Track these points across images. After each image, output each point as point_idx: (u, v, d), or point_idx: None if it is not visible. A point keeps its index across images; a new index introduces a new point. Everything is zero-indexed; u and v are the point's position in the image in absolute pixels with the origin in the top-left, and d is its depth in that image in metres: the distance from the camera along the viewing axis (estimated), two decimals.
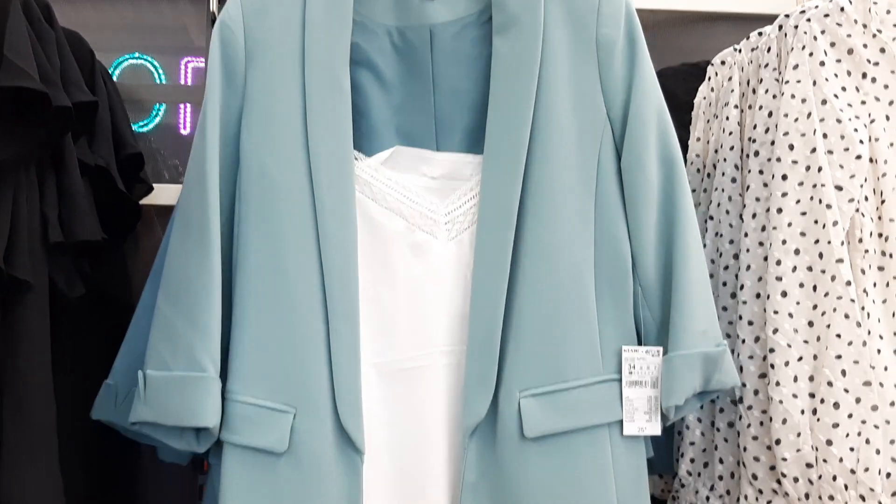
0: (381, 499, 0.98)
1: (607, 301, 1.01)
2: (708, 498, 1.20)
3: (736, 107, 1.29)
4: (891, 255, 1.09)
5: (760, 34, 1.29)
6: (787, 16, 1.21)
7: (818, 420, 1.04)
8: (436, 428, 1.00)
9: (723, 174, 1.27)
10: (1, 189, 0.96)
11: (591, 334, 0.99)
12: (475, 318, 0.99)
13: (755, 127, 1.20)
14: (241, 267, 1.01)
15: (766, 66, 1.21)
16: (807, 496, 1.04)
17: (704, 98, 1.41)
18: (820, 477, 1.03)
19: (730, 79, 1.32)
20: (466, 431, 0.98)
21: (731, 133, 1.28)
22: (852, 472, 1.02)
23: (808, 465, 1.04)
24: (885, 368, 1.06)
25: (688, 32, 1.77)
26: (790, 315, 1.08)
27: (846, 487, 1.02)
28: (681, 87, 1.59)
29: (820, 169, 1.09)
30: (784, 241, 1.10)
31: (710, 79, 1.41)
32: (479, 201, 1.02)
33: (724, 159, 1.27)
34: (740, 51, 1.33)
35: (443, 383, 1.01)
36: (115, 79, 1.77)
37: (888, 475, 1.03)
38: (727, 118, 1.29)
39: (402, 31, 1.09)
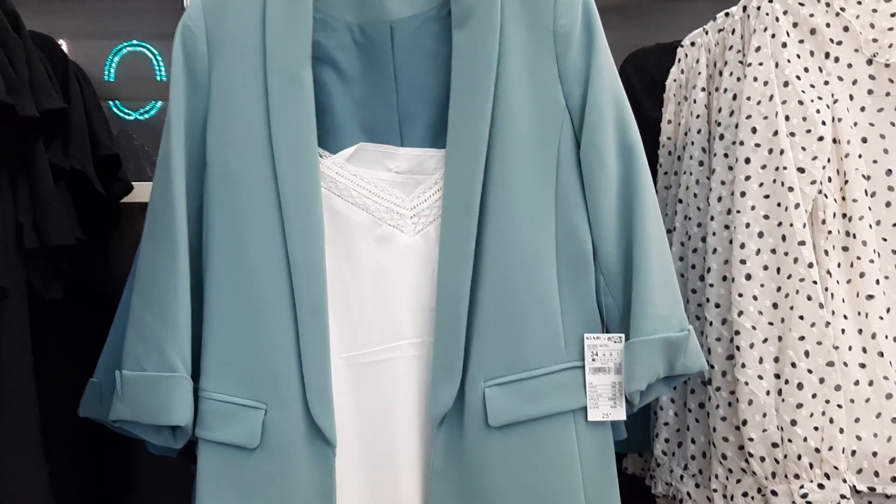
0: (353, 489, 1.01)
1: (569, 290, 1.02)
2: (682, 477, 1.22)
3: (703, 89, 1.29)
4: (854, 236, 1.10)
5: (727, 15, 1.29)
6: None
7: (783, 400, 1.06)
8: (405, 418, 1.02)
9: (691, 157, 1.28)
10: None
11: (554, 323, 1.01)
12: (441, 309, 1.01)
13: (720, 110, 1.21)
14: (210, 266, 1.03)
15: (731, 48, 1.22)
16: (773, 475, 1.06)
17: (675, 80, 1.42)
18: (786, 456, 1.05)
19: (698, 61, 1.33)
20: (434, 421, 1.00)
21: (698, 116, 1.28)
22: (817, 450, 1.03)
23: (774, 445, 1.05)
24: (850, 348, 1.07)
25: (661, 11, 1.76)
26: (755, 297, 1.09)
27: (811, 466, 1.03)
28: (654, 67, 1.60)
29: (782, 152, 1.10)
30: (748, 225, 1.11)
31: (679, 60, 1.42)
32: (442, 196, 1.04)
33: (692, 143, 1.28)
34: (708, 32, 1.33)
35: (411, 374, 1.03)
36: (114, 67, 1.79)
37: (853, 453, 1.05)
38: (695, 101, 1.30)
39: (362, 27, 1.10)
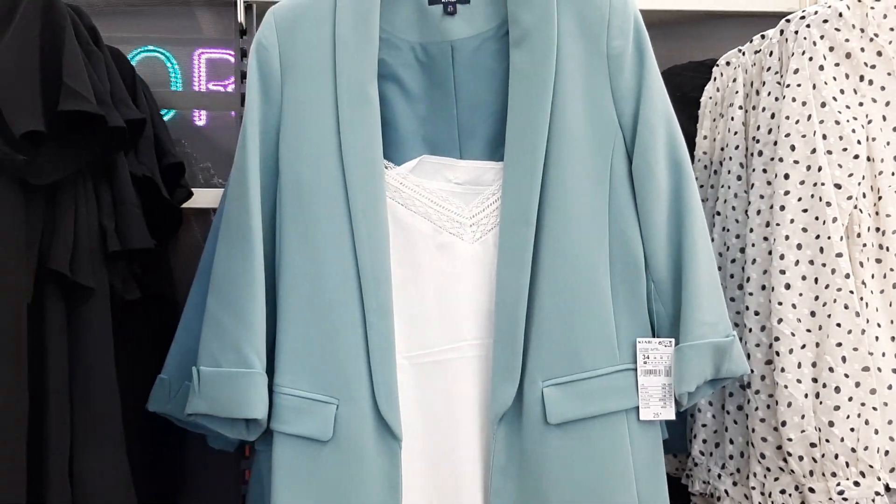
0: (418, 481, 1.07)
1: (622, 296, 1.08)
2: (720, 476, 1.28)
3: (740, 107, 1.36)
4: (887, 248, 1.16)
5: (763, 37, 1.36)
6: (787, 20, 1.28)
7: (821, 403, 1.12)
8: (466, 415, 1.09)
9: (729, 172, 1.34)
10: (64, 203, 1.04)
11: (608, 327, 1.07)
12: (500, 313, 1.07)
13: (758, 128, 1.27)
14: (283, 270, 1.09)
15: (769, 69, 1.28)
16: (811, 473, 1.12)
17: (710, 98, 1.48)
18: (823, 455, 1.11)
19: (734, 80, 1.39)
20: (494, 418, 1.06)
21: (736, 133, 1.35)
22: (853, 450, 1.09)
23: (812, 445, 1.12)
24: (883, 354, 1.14)
25: (694, 31, 1.83)
26: (793, 306, 1.16)
27: (847, 465, 1.10)
28: (688, 83, 1.66)
29: (820, 168, 1.16)
30: (787, 237, 1.17)
31: (715, 79, 1.48)
32: (500, 205, 1.10)
33: (730, 158, 1.35)
34: (744, 53, 1.39)
35: (471, 374, 1.09)
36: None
37: (886, 453, 1.11)
38: (732, 118, 1.36)
39: (425, 46, 1.16)
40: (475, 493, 1.08)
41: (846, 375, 1.11)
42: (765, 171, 1.25)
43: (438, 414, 1.09)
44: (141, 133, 1.14)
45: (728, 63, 1.45)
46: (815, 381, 1.13)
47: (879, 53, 1.21)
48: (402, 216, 1.12)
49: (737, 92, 1.37)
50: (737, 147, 1.34)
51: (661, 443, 1.10)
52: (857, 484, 1.09)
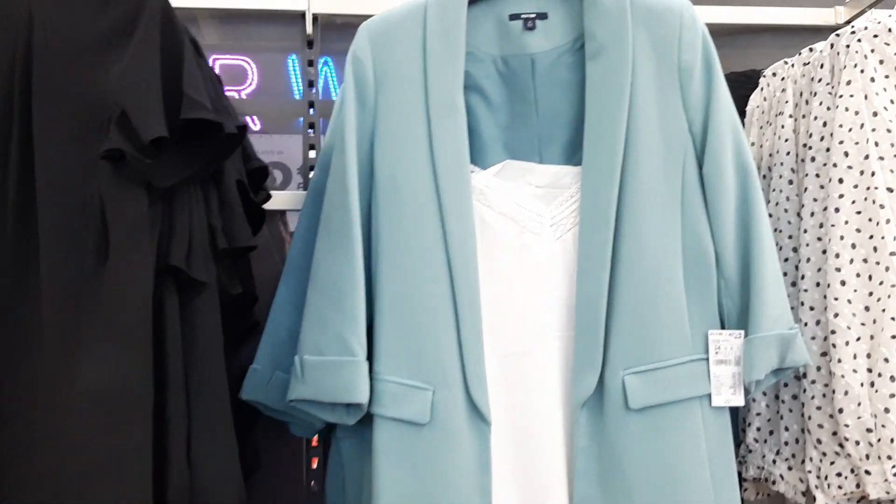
0: (506, 462, 1.15)
1: (694, 291, 1.17)
2: (774, 461, 1.37)
3: (790, 116, 1.44)
4: None
5: (811, 50, 1.45)
6: (837, 34, 1.37)
7: (876, 391, 1.20)
8: (549, 402, 1.17)
9: (780, 177, 1.43)
10: (179, 204, 1.12)
11: (682, 320, 1.15)
12: (581, 307, 1.16)
13: (810, 135, 1.36)
14: (380, 266, 1.18)
15: (820, 80, 1.37)
16: (867, 456, 1.21)
17: (758, 106, 1.57)
18: (879, 440, 1.19)
19: (783, 90, 1.48)
20: (577, 404, 1.14)
21: (786, 140, 1.44)
22: None
23: (868, 430, 1.20)
24: None
25: (733, 42, 1.92)
26: (849, 301, 1.24)
27: None
28: (731, 94, 1.75)
29: (873, 173, 1.25)
30: (842, 237, 1.26)
31: (762, 89, 1.57)
32: (579, 206, 1.19)
33: (781, 163, 1.43)
34: (792, 65, 1.48)
35: (554, 363, 1.18)
36: None
37: None
38: (782, 126, 1.45)
39: (506, 59, 1.25)
40: (559, 474, 1.16)
41: None
42: (818, 175, 1.33)
43: (524, 400, 1.17)
44: (242, 139, 1.22)
45: (775, 74, 1.54)
46: (869, 371, 1.22)
47: None
48: (487, 217, 1.21)
49: (787, 101, 1.46)
50: (788, 153, 1.43)
51: (730, 427, 1.18)
52: None
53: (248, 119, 1.83)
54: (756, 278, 1.16)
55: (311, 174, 1.70)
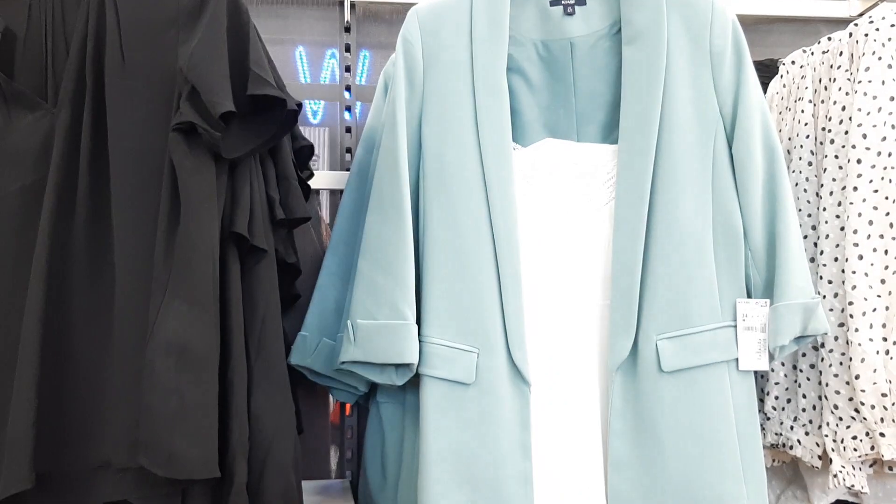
0: (545, 420, 1.23)
1: (723, 263, 1.25)
2: (792, 427, 1.45)
3: (810, 101, 1.52)
4: None
5: (830, 39, 1.52)
6: (856, 24, 1.44)
7: (891, 358, 1.28)
8: (586, 365, 1.25)
9: (800, 159, 1.51)
10: (241, 176, 1.20)
11: (712, 289, 1.23)
12: (617, 276, 1.23)
13: (830, 119, 1.44)
14: (428, 236, 1.25)
15: (839, 67, 1.45)
16: (881, 420, 1.28)
17: (777, 93, 1.65)
18: (893, 404, 1.27)
19: (803, 77, 1.55)
20: (613, 367, 1.22)
21: (806, 124, 1.51)
22: None
23: (883, 395, 1.28)
24: None
25: (749, 33, 1.99)
26: (865, 274, 1.32)
27: None
28: None
29: (890, 154, 1.33)
30: (860, 214, 1.33)
31: (781, 76, 1.64)
32: (616, 182, 1.26)
33: (801, 146, 1.51)
34: (812, 53, 1.56)
35: (592, 330, 1.25)
36: None
37: None
38: (802, 111, 1.52)
39: (546, 43, 1.33)
40: (595, 433, 1.23)
41: None
42: (836, 157, 1.41)
43: (562, 363, 1.25)
44: (297, 118, 1.30)
45: (794, 62, 1.61)
46: (885, 339, 1.30)
47: None
48: (529, 192, 1.28)
49: (806, 87, 1.53)
50: (807, 137, 1.50)
51: (755, 390, 1.26)
52: None
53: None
54: (781, 251, 1.24)
55: (350, 155, 1.77)
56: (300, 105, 1.25)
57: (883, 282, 1.31)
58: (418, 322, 1.23)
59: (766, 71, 1.77)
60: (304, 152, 1.50)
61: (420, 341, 1.22)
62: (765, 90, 1.69)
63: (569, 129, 1.32)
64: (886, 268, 1.31)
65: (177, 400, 1.07)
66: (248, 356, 1.19)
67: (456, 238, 1.24)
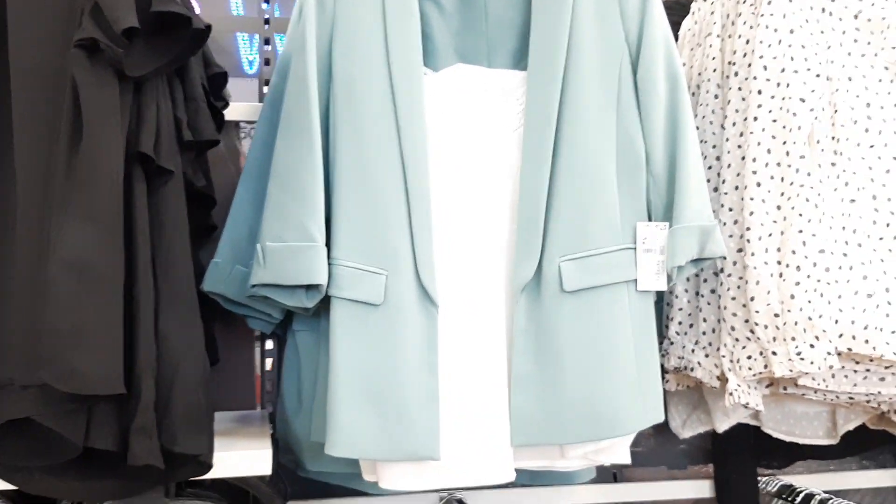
0: (453, 340, 1.26)
1: (625, 187, 1.29)
2: (693, 350, 1.51)
3: (718, 36, 1.56)
4: (841, 154, 1.39)
5: None
6: None
7: (783, 280, 1.34)
8: (495, 287, 1.28)
9: (707, 92, 1.55)
10: (147, 95, 1.18)
11: (613, 213, 1.27)
12: (523, 200, 1.26)
13: (734, 52, 1.48)
14: (337, 159, 1.26)
15: (745, 2, 1.48)
16: (774, 339, 1.35)
17: (689, 30, 1.68)
18: (784, 324, 1.33)
19: (712, 13, 1.59)
20: (517, 288, 1.26)
21: (713, 58, 1.55)
22: (809, 318, 1.32)
23: (776, 315, 1.34)
24: (835, 241, 1.36)
25: None
26: (763, 201, 1.37)
27: (805, 330, 1.32)
28: (669, 19, 1.86)
29: (788, 85, 1.37)
30: (759, 143, 1.38)
31: (693, 13, 1.68)
32: (525, 108, 1.29)
33: (708, 80, 1.55)
34: None
35: (498, 251, 1.29)
36: None
37: (836, 321, 1.34)
38: (710, 45, 1.57)
39: None
40: (500, 351, 1.27)
41: (805, 257, 1.33)
42: (740, 89, 1.46)
43: (471, 285, 1.28)
44: (208, 37, 1.28)
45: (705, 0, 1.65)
46: (779, 263, 1.35)
47: None
48: (439, 116, 1.30)
49: (714, 23, 1.57)
50: (714, 70, 1.54)
51: (653, 310, 1.31)
52: (812, 346, 1.32)
53: None
54: (681, 176, 1.28)
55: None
56: (209, 27, 1.24)
57: (779, 208, 1.37)
58: (329, 245, 1.25)
59: (683, 10, 1.80)
60: (218, 80, 1.49)
61: (329, 264, 1.24)
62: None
63: (480, 54, 1.34)
64: (782, 194, 1.37)
65: (78, 316, 1.06)
66: (156, 277, 1.19)
67: (365, 162, 1.25)
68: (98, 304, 1.09)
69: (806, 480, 1.85)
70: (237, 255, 1.39)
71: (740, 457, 1.79)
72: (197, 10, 1.77)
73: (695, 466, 1.91)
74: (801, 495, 1.71)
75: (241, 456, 1.25)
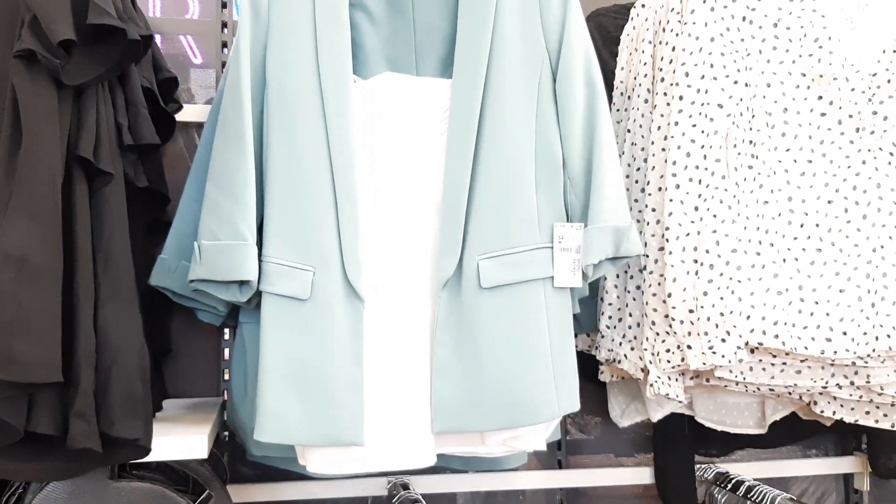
0: (378, 333, 1.33)
1: (543, 189, 1.35)
2: (620, 343, 1.58)
3: (650, 42, 1.62)
4: (757, 157, 1.45)
5: None
6: None
7: (698, 278, 1.41)
8: (419, 283, 1.35)
9: (638, 96, 1.61)
10: (88, 102, 1.26)
11: (532, 214, 1.34)
12: (447, 200, 1.33)
13: (662, 59, 1.54)
14: (270, 162, 1.33)
15: (672, 10, 1.54)
16: (689, 333, 1.41)
17: (628, 35, 1.74)
18: (698, 319, 1.40)
19: (646, 19, 1.65)
20: (439, 284, 1.33)
21: (645, 63, 1.61)
22: (721, 314, 1.39)
23: (690, 311, 1.41)
24: (749, 241, 1.43)
25: None
26: (681, 202, 1.44)
27: (717, 326, 1.39)
28: (612, 24, 1.92)
29: (707, 91, 1.44)
30: (679, 147, 1.45)
31: (632, 19, 1.74)
32: (449, 114, 1.35)
33: (640, 84, 1.61)
34: None
35: (422, 249, 1.36)
36: None
37: (748, 317, 1.41)
38: (643, 51, 1.63)
39: None
40: (423, 344, 1.34)
41: (718, 256, 1.39)
42: (665, 94, 1.52)
43: (397, 282, 1.35)
44: (148, 48, 1.36)
45: (644, 5, 1.71)
46: (695, 261, 1.42)
47: None
48: (367, 122, 1.37)
49: (648, 29, 1.63)
50: (645, 75, 1.61)
51: (570, 306, 1.38)
52: (723, 341, 1.39)
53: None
54: (596, 178, 1.35)
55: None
56: (148, 36, 1.32)
57: (696, 209, 1.43)
58: (261, 243, 1.32)
59: (628, 15, 1.86)
60: (169, 84, 1.56)
61: (261, 261, 1.31)
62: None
63: (409, 62, 1.40)
64: (699, 196, 1.43)
65: (16, 308, 1.14)
66: (96, 272, 1.27)
67: (295, 164, 1.33)
68: (36, 295, 1.17)
69: (744, 468, 1.92)
70: (182, 250, 1.47)
71: (677, 445, 1.86)
72: (158, 14, 1.86)
73: (641, 454, 1.99)
74: (732, 482, 1.78)
75: (179, 440, 1.34)
